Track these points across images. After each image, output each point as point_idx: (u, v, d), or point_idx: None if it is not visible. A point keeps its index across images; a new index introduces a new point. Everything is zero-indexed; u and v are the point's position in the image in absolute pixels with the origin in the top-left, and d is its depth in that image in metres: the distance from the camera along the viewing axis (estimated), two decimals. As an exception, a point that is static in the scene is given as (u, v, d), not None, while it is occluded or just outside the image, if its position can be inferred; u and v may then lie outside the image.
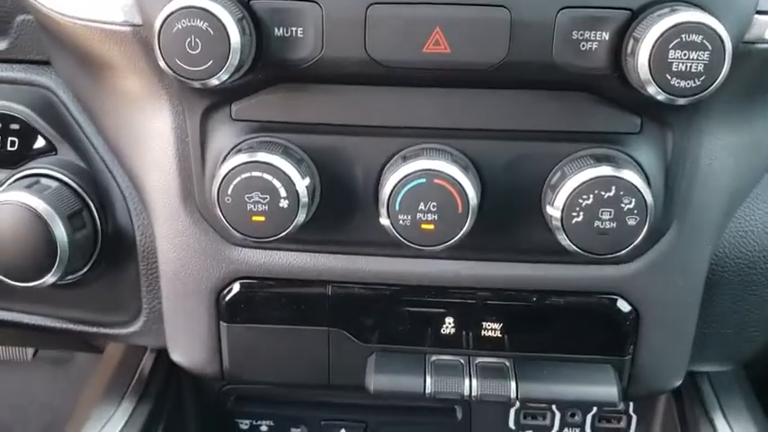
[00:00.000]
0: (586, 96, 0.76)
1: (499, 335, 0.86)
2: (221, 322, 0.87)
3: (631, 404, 1.06)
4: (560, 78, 0.73)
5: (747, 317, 0.90)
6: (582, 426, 1.08)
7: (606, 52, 0.71)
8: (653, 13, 0.68)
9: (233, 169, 0.74)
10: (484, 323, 0.85)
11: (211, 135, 0.79)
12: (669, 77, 0.67)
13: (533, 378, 0.84)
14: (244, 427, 1.10)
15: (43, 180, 0.87)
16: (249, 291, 0.85)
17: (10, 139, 0.91)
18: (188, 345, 0.90)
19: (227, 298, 0.86)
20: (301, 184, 0.75)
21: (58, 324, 0.95)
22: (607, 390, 0.84)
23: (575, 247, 0.75)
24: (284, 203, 0.75)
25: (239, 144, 0.78)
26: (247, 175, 0.74)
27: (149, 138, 0.83)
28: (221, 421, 1.09)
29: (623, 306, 0.84)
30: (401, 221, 0.75)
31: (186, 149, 0.81)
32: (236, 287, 0.86)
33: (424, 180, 0.73)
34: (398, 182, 0.74)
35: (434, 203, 0.74)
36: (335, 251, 0.84)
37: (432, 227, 0.75)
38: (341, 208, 0.80)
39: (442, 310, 0.85)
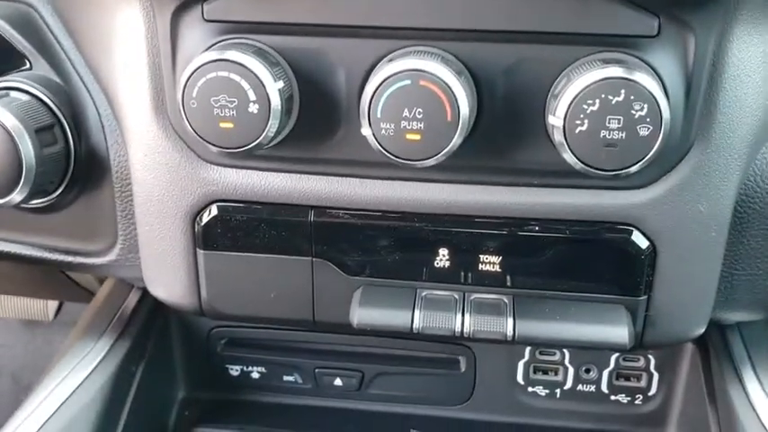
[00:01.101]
0: None
1: (498, 269, 0.77)
2: (198, 249, 0.81)
3: (652, 360, 0.97)
4: None
5: None
6: (597, 383, 0.99)
7: None
8: None
9: (198, 68, 0.67)
10: (481, 256, 0.77)
11: (182, 37, 0.73)
12: None
13: (534, 316, 0.76)
14: (234, 373, 1.04)
15: (13, 93, 0.81)
16: (226, 214, 0.79)
17: None
18: (164, 275, 0.84)
19: (204, 222, 0.79)
20: (273, 87, 0.68)
21: (32, 252, 0.90)
22: (617, 331, 0.75)
23: (578, 162, 0.66)
24: (254, 108, 0.68)
25: (211, 46, 0.72)
26: (213, 75, 0.67)
27: (120, 43, 0.77)
28: (210, 367, 1.03)
29: (638, 239, 0.75)
30: (383, 131, 0.67)
31: (157, 54, 0.75)
32: (213, 210, 0.79)
33: (408, 82, 0.65)
34: (380, 84, 0.66)
35: (420, 110, 0.66)
36: (318, 171, 0.77)
37: (417, 137, 0.67)
38: (322, 121, 0.73)
39: (435, 241, 0.77)
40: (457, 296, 0.78)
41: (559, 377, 0.99)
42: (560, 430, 1.00)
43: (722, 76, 0.70)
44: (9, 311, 2.01)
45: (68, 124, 0.82)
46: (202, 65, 0.67)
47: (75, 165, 0.83)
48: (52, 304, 2.04)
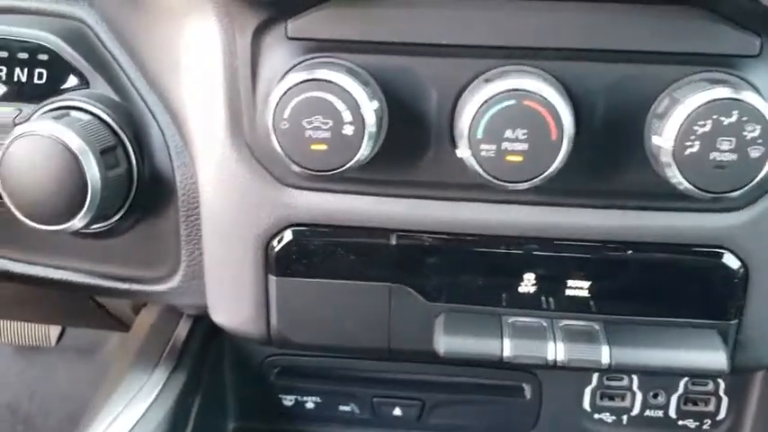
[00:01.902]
0: (699, 12, 0.65)
1: (587, 294, 0.75)
2: (269, 276, 0.77)
3: (722, 384, 0.95)
4: None
5: None
6: (665, 408, 0.96)
7: None
8: None
9: (291, 88, 0.64)
10: (570, 281, 0.74)
11: (264, 56, 0.70)
12: None
13: (628, 343, 0.73)
14: (288, 403, 0.99)
15: (73, 113, 0.77)
16: (302, 239, 0.75)
17: (37, 71, 0.82)
18: (231, 302, 0.80)
19: (278, 248, 0.76)
20: (369, 107, 0.65)
21: (86, 280, 0.86)
22: (714, 356, 0.72)
23: (687, 185, 0.64)
24: (348, 129, 0.65)
25: (296, 65, 0.69)
26: (307, 95, 0.64)
27: (191, 62, 0.74)
28: (263, 397, 0.99)
29: (731, 261, 0.73)
30: (483, 152, 0.64)
31: (235, 73, 0.72)
32: (287, 235, 0.76)
33: (513, 102, 0.63)
34: (482, 104, 0.63)
35: (524, 130, 0.63)
36: (402, 194, 0.73)
37: (519, 159, 0.64)
38: (410, 142, 0.70)
39: (522, 265, 0.74)
40: (545, 323, 0.75)
41: (627, 403, 0.97)
42: None
43: None
44: (6, 336, 1.94)
45: (131, 145, 0.79)
46: (295, 85, 0.64)
47: (137, 188, 0.79)
48: (54, 329, 1.97)
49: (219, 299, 0.81)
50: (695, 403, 0.96)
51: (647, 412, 0.97)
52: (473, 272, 0.75)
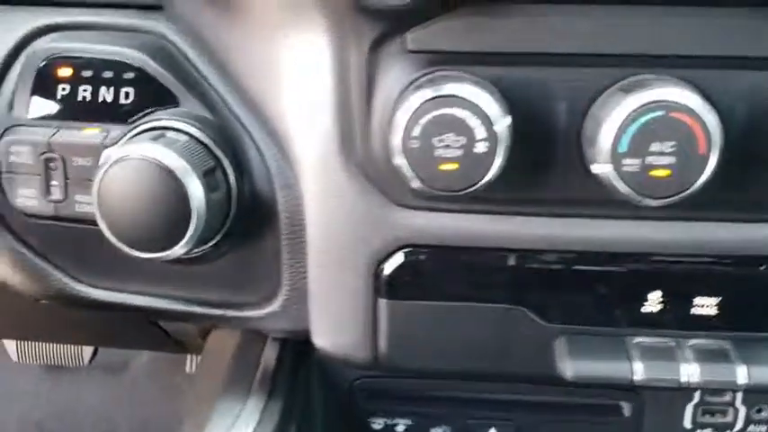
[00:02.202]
0: None
1: (716, 311, 0.71)
2: (379, 299, 0.74)
3: None
4: None
5: None
6: (770, 423, 0.93)
7: None
8: None
9: (422, 105, 0.61)
10: (698, 298, 0.71)
11: (381, 71, 0.66)
12: None
13: (764, 360, 0.70)
14: (377, 427, 0.96)
15: (169, 133, 0.74)
16: (415, 261, 0.72)
17: (124, 90, 0.78)
18: (337, 326, 0.76)
19: (389, 269, 0.72)
20: (502, 123, 0.61)
21: (175, 306, 0.82)
22: None
23: None
24: (482, 147, 0.61)
25: (417, 79, 0.65)
26: (440, 112, 0.61)
27: (297, 78, 0.70)
28: (351, 421, 0.96)
29: None
30: (626, 167, 0.61)
31: (347, 90, 0.68)
32: (399, 257, 0.72)
33: (660, 113, 0.59)
34: (627, 116, 0.60)
35: (672, 143, 0.60)
36: (522, 212, 0.70)
37: (666, 173, 0.61)
38: (534, 158, 0.67)
39: (648, 283, 0.71)
40: (672, 343, 0.72)
41: (729, 418, 0.93)
42: None
43: None
44: (37, 357, 1.90)
45: (231, 165, 0.75)
46: (426, 101, 0.61)
47: (236, 210, 0.75)
48: (87, 349, 1.93)
49: (324, 322, 0.77)
50: (803, 418, 0.93)
51: (751, 428, 0.93)
52: (596, 291, 0.72)
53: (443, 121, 0.61)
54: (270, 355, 0.91)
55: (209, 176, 0.72)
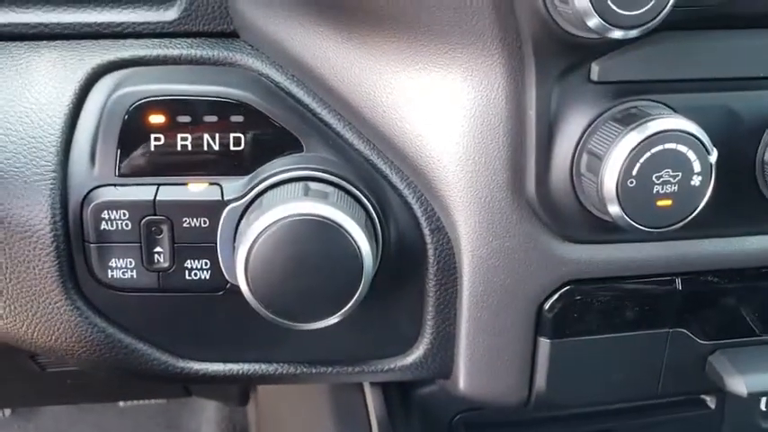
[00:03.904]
0: None
1: None
2: (540, 338, 0.71)
3: None
4: None
5: None
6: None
7: None
8: None
9: (642, 144, 0.58)
10: None
11: (566, 103, 0.62)
12: None
13: None
14: (477, 457, 0.93)
15: (312, 185, 0.65)
16: (580, 296, 0.69)
17: (232, 136, 0.68)
18: (490, 369, 0.72)
19: (552, 308, 0.69)
20: (714, 153, 0.60)
21: (301, 370, 0.74)
22: None
23: None
24: (696, 180, 0.60)
25: (606, 111, 0.62)
26: (659, 149, 0.58)
27: (459, 114, 0.64)
28: None
29: None
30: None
31: (523, 123, 0.63)
32: (563, 293, 0.69)
33: None
34: None
35: None
36: (686, 236, 0.69)
37: None
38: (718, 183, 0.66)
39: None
40: None
41: (796, 398, 0.99)
42: None
43: None
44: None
45: (377, 214, 0.68)
46: (647, 138, 0.58)
47: (382, 258, 0.69)
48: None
49: (475, 366, 0.73)
50: None
51: (813, 405, 1.00)
52: (749, 304, 0.73)
53: (663, 156, 0.59)
54: (375, 400, 0.85)
55: (368, 228, 0.65)
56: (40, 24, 0.74)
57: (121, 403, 1.64)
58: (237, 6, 0.74)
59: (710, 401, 0.97)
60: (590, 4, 0.53)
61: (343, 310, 0.64)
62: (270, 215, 0.62)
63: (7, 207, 0.67)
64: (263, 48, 0.74)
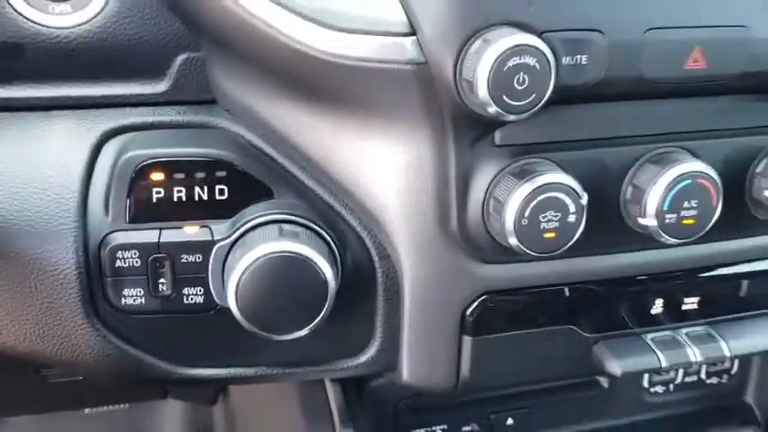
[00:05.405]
0: None
1: (698, 307, 0.98)
2: (464, 337, 0.91)
3: None
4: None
5: None
6: (698, 373, 1.24)
7: None
8: None
9: (531, 193, 0.78)
10: (686, 298, 0.97)
11: (476, 162, 0.82)
12: None
13: (736, 336, 0.98)
14: (419, 436, 1.13)
15: (285, 226, 0.84)
16: (493, 304, 0.90)
17: (218, 187, 0.86)
18: (426, 363, 0.92)
19: (474, 314, 0.90)
20: (585, 198, 0.81)
21: (277, 371, 0.93)
22: None
23: None
24: (572, 218, 0.81)
25: (506, 168, 0.82)
26: (544, 196, 0.79)
27: (400, 169, 0.84)
28: None
29: None
30: (667, 220, 0.84)
31: (446, 178, 0.83)
32: (481, 302, 0.90)
33: (690, 181, 0.83)
34: (668, 184, 0.82)
35: (696, 201, 0.84)
36: (573, 255, 0.90)
37: (693, 221, 0.84)
38: (591, 218, 0.87)
39: (655, 293, 0.96)
40: (671, 333, 0.97)
41: (672, 374, 1.23)
42: (671, 417, 1.25)
43: None
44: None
45: (337, 247, 0.87)
46: (534, 190, 0.78)
47: (342, 280, 0.88)
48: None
49: (415, 362, 0.92)
50: (715, 364, 1.25)
51: (687, 379, 1.24)
52: (621, 305, 0.95)
53: (548, 202, 0.79)
54: (335, 394, 1.04)
55: (331, 259, 0.84)
56: (53, 98, 0.90)
57: (87, 410, 1.78)
58: (215, 79, 0.92)
59: (604, 382, 1.20)
60: (489, 97, 0.73)
61: (312, 324, 0.83)
62: (254, 252, 0.80)
63: (38, 251, 0.83)
64: (236, 112, 0.92)
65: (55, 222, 0.83)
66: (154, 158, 0.85)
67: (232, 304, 0.81)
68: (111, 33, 0.89)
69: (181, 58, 0.91)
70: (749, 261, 0.98)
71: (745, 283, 0.98)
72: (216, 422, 1.66)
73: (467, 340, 0.91)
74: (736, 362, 1.26)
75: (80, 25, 0.88)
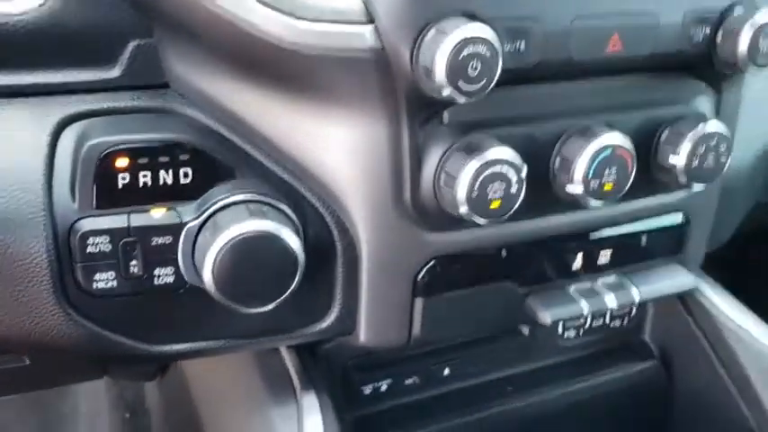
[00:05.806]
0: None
1: (610, 259, 1.11)
2: (416, 298, 1.00)
3: None
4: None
5: None
6: (604, 317, 1.39)
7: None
8: None
9: (480, 167, 0.87)
10: (601, 251, 1.10)
11: (427, 140, 0.90)
12: None
13: (644, 282, 1.12)
14: (367, 391, 1.21)
15: (251, 206, 0.89)
16: (441, 267, 0.99)
17: (182, 170, 0.90)
18: (382, 325, 1.01)
19: (425, 277, 0.98)
20: (525, 169, 0.91)
21: (245, 342, 0.98)
22: (682, 279, 1.15)
23: (686, 181, 1.02)
24: (515, 189, 0.90)
25: (454, 144, 0.91)
26: (491, 170, 0.88)
27: (356, 148, 0.90)
28: (348, 392, 1.20)
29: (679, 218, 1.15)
30: (591, 186, 0.95)
31: (400, 155, 0.90)
32: (431, 266, 0.98)
33: (610, 152, 0.94)
34: (593, 154, 0.94)
35: (615, 167, 0.95)
36: (513, 219, 1.00)
37: (612, 186, 0.96)
38: (528, 186, 0.96)
39: (577, 249, 1.08)
40: (590, 283, 1.11)
41: (582, 321, 1.38)
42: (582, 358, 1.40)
43: None
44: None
45: (300, 223, 0.93)
46: (482, 164, 0.87)
47: (305, 254, 0.93)
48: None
49: (372, 324, 1.00)
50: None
51: (594, 323, 1.39)
52: (550, 261, 1.07)
53: (495, 176, 0.88)
54: (291, 360, 1.10)
55: (297, 234, 0.90)
56: (4, 86, 0.90)
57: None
58: (168, 64, 0.94)
59: (525, 330, 1.33)
60: (446, 82, 0.81)
61: (282, 297, 0.89)
62: (227, 233, 0.85)
63: (9, 240, 0.84)
64: (191, 96, 0.95)
65: (24, 212, 0.84)
66: (117, 145, 0.87)
67: (209, 282, 0.86)
68: (59, 19, 0.89)
69: (132, 43, 0.92)
70: (653, 216, 1.12)
71: (650, 235, 1.13)
72: (147, 397, 1.69)
73: (418, 301, 1.00)
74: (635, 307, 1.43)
75: (28, 12, 0.88)
